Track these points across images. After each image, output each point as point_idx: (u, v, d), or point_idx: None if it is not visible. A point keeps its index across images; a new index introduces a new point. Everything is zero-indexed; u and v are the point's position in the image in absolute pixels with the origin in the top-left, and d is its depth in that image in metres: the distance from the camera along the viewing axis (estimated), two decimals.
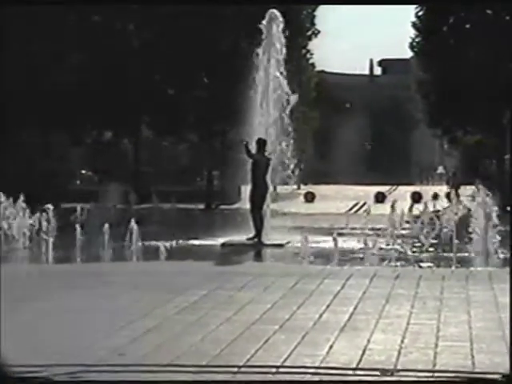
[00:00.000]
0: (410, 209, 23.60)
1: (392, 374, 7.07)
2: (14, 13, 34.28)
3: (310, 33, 46.64)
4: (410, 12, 43.33)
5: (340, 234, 19.20)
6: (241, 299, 10.66)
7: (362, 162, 70.95)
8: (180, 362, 7.46)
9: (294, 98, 21.21)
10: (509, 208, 31.02)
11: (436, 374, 7.09)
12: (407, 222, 19.98)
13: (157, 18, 38.18)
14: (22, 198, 19.22)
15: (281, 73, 21.73)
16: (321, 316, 9.59)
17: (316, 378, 7.01)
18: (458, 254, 16.98)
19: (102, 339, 8.40)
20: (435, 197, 29.50)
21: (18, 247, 18.41)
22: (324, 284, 12.06)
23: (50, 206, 18.95)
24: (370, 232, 18.72)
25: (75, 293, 11.44)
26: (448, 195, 21.04)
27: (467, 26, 39.96)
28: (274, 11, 21.90)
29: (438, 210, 27.24)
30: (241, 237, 20.07)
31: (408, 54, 46.70)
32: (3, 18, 33.42)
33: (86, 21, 37.21)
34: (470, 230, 17.79)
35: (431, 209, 22.37)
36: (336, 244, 17.44)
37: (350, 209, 37.58)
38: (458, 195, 30.99)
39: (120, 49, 37.84)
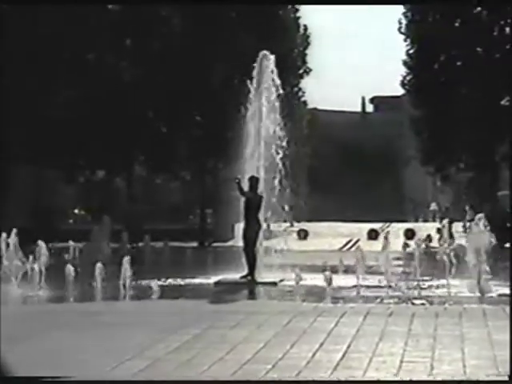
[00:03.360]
0: (404, 246, 23.59)
1: None
2: (7, 46, 34.43)
3: (301, 71, 46.97)
4: (401, 50, 43.65)
5: (333, 272, 19.17)
6: (233, 338, 10.61)
7: (355, 199, 71.05)
8: None
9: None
10: (504, 245, 31.01)
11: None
12: (399, 258, 19.97)
13: (149, 54, 38.36)
14: (13, 234, 19.12)
15: (273, 111, 21.82)
16: (314, 355, 9.55)
17: None
18: (452, 291, 16.94)
19: (90, 381, 8.34)
20: (429, 240, 29.45)
21: (9, 285, 18.30)
22: (317, 322, 12.02)
23: (42, 245, 18.88)
24: (363, 269, 18.68)
25: (66, 333, 11.37)
26: (439, 231, 21.06)
27: (458, 63, 40.24)
28: (266, 52, 22.06)
29: (432, 247, 27.26)
30: (234, 275, 20.01)
31: (399, 91, 46.97)
32: None
33: (79, 57, 37.37)
34: (464, 266, 17.77)
35: (424, 246, 22.35)
36: (329, 282, 17.41)
37: (344, 246, 37.55)
38: (451, 232, 30.97)
39: (112, 86, 37.96)
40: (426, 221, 57.89)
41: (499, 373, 8.56)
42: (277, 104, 21.84)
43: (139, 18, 38.17)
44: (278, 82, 21.84)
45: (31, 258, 18.60)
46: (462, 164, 41.98)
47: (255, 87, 21.89)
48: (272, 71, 21.82)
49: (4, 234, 19.16)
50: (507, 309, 13.74)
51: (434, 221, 50.16)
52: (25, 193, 38.49)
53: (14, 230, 19.14)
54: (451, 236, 28.83)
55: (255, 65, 21.94)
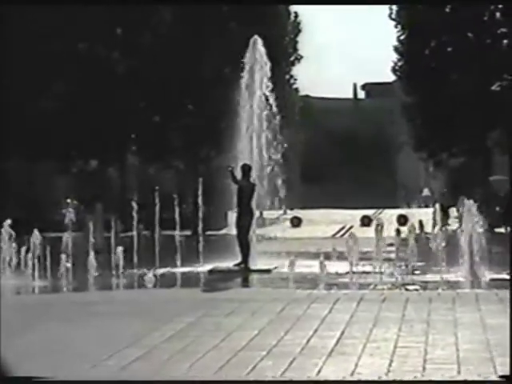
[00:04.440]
0: (396, 232, 23.61)
1: None
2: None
3: (292, 58, 46.95)
4: (392, 36, 43.59)
5: (327, 258, 19.20)
6: (228, 326, 10.64)
7: (348, 186, 71.06)
8: None
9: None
10: (495, 229, 31.09)
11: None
12: (391, 244, 19.99)
13: (141, 46, 38.28)
14: (7, 223, 19.09)
15: (265, 98, 21.79)
16: (308, 341, 9.58)
17: None
18: (445, 277, 17.00)
19: (90, 369, 8.36)
20: (421, 226, 29.45)
21: (4, 275, 18.28)
22: (311, 308, 12.05)
23: (36, 234, 18.87)
24: (357, 256, 18.70)
25: (62, 323, 11.38)
26: (434, 218, 21.11)
27: (449, 49, 40.21)
28: (257, 38, 21.99)
29: (426, 233, 27.28)
30: (228, 263, 20.04)
31: (391, 77, 46.92)
32: None
33: (70, 49, 37.26)
34: (457, 251, 17.82)
35: (417, 232, 22.40)
36: (323, 268, 17.44)
37: (337, 232, 37.60)
38: (447, 217, 30.97)
39: (105, 77, 37.86)
40: (419, 207, 57.94)
41: (492, 356, 8.61)
42: (268, 90, 21.80)
43: (131, 10, 38.04)
44: (269, 65, 21.76)
45: (25, 247, 18.59)
46: (454, 149, 42.01)
47: (247, 73, 21.84)
48: (262, 54, 21.76)
49: None
50: (499, 293, 13.80)
51: (426, 207, 50.17)
52: (18, 184, 38.41)
53: (8, 221, 19.12)
54: (447, 221, 28.87)
55: (247, 50, 21.87)
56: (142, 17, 38.03)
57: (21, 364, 8.66)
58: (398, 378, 7.73)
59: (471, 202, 17.78)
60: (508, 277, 16.95)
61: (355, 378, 7.80)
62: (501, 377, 6.34)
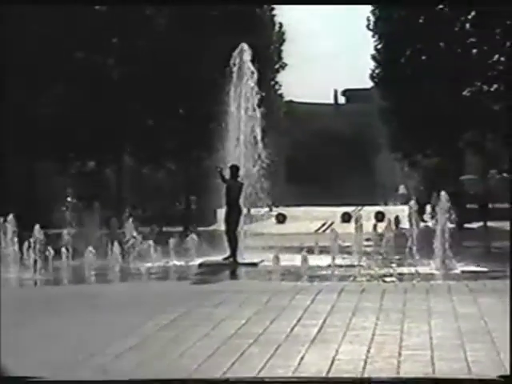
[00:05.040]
0: (374, 228, 23.66)
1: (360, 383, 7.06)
2: None
3: (277, 66, 47.02)
4: (369, 45, 43.68)
5: (310, 252, 19.22)
6: (217, 315, 10.63)
7: (329, 184, 71.10)
8: (161, 377, 7.43)
9: None
10: (464, 225, 31.18)
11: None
12: (369, 239, 20.05)
13: (136, 54, 38.19)
14: (10, 220, 19.04)
15: (252, 103, 21.79)
16: (292, 330, 9.59)
17: None
18: (419, 269, 17.04)
19: (87, 357, 8.34)
20: (397, 221, 29.44)
21: (7, 269, 18.23)
22: (295, 299, 12.06)
23: (37, 230, 18.82)
24: (337, 250, 18.75)
25: (62, 315, 11.35)
26: (409, 214, 21.13)
27: (423, 57, 40.32)
28: (244, 45, 21.97)
29: (402, 228, 27.30)
30: (217, 257, 20.03)
31: (369, 83, 47.01)
32: None
33: (68, 54, 37.08)
34: (430, 246, 17.86)
35: (394, 228, 22.43)
36: (306, 262, 17.46)
37: (319, 228, 37.62)
38: (423, 213, 30.99)
39: (101, 83, 37.77)
40: (395, 204, 58.00)
41: (462, 342, 8.64)
42: (255, 95, 21.80)
43: (125, 18, 37.98)
44: (255, 72, 21.75)
45: (27, 243, 18.54)
46: (428, 151, 42.15)
47: (234, 79, 21.83)
48: (249, 62, 21.76)
49: (0, 219, 19.08)
50: (470, 284, 13.87)
51: (403, 204, 50.28)
52: (20, 184, 38.24)
53: (11, 217, 19.06)
54: (422, 217, 28.88)
55: (235, 56, 21.86)
56: (136, 26, 37.95)
57: (21, 353, 8.65)
58: (376, 363, 7.75)
59: (445, 197, 17.82)
60: (477, 269, 17.04)
61: (335, 364, 7.81)
62: (501, 377, 6.24)
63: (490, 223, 33.09)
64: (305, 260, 17.57)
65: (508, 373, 6.62)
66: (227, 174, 20.26)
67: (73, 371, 7.67)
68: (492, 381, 6.13)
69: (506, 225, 31.49)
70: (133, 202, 39.08)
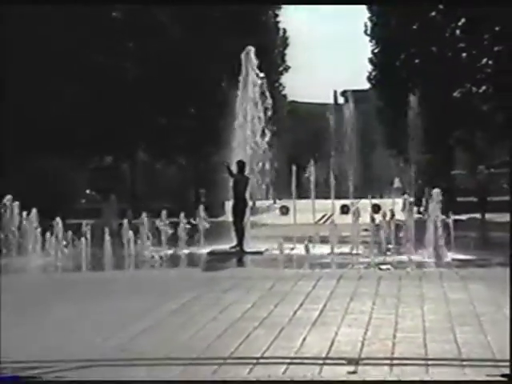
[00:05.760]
0: (371, 219, 23.60)
1: (357, 363, 7.06)
2: (17, 45, 34.08)
3: (281, 68, 47.05)
4: (367, 49, 43.65)
5: (311, 242, 19.21)
6: (225, 300, 10.63)
7: (328, 179, 71.01)
8: (173, 356, 7.44)
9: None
10: (456, 217, 31.09)
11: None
12: (367, 229, 20.01)
13: (149, 57, 38.18)
14: (34, 211, 19.07)
15: (257, 103, 21.76)
16: (295, 313, 9.58)
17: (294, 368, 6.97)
18: (413, 257, 17.02)
19: (105, 339, 8.35)
20: (391, 213, 29.27)
21: (32, 256, 18.27)
22: (297, 286, 12.04)
23: (59, 221, 18.84)
24: (337, 239, 18.72)
25: (80, 299, 11.35)
26: (404, 206, 21.05)
27: (416, 61, 40.28)
28: (251, 48, 21.88)
29: (397, 220, 27.21)
30: (225, 246, 20.03)
31: (366, 85, 46.96)
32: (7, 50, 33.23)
33: (89, 58, 37.06)
34: (424, 236, 17.82)
35: (389, 219, 22.35)
36: (307, 250, 17.44)
37: (319, 219, 37.56)
38: (419, 205, 30.86)
39: (118, 85, 37.78)
40: (390, 197, 57.84)
41: (452, 325, 8.62)
42: (260, 96, 21.76)
43: (140, 24, 37.96)
44: (261, 73, 21.71)
45: (49, 232, 18.57)
46: (422, 148, 42.14)
47: (241, 80, 21.80)
48: (255, 64, 21.71)
49: (24, 213, 19.13)
50: (460, 271, 13.85)
51: (399, 196, 50.14)
52: (42, 178, 38.28)
53: (34, 211, 19.10)
54: (418, 210, 28.74)
55: (241, 60, 21.82)
56: (150, 32, 37.92)
57: (39, 336, 8.66)
58: (373, 345, 7.74)
59: (437, 191, 17.77)
60: (467, 257, 17.02)
61: (335, 345, 7.80)
62: (502, 376, 6.01)
63: (477, 215, 33.02)
64: (306, 249, 17.55)
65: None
66: (234, 168, 20.25)
67: (93, 351, 7.68)
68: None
69: (493, 216, 31.47)
70: (147, 195, 39.15)
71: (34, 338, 8.44)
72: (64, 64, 36.04)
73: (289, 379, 6.13)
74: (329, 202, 43.05)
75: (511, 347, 7.10)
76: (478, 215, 32.89)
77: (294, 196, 31.14)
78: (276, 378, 6.22)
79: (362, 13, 43.22)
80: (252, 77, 21.75)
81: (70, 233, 18.63)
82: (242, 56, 21.74)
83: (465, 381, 6.18)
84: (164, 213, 20.31)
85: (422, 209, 32.23)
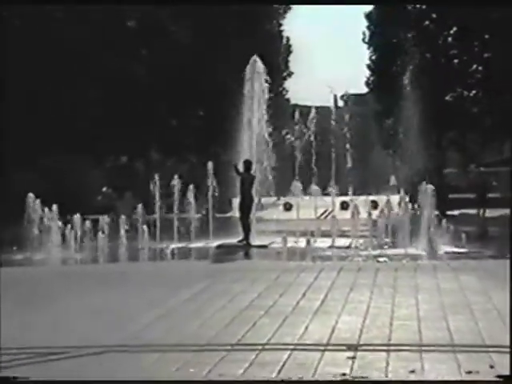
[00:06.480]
0: (369, 214, 23.57)
1: (356, 349, 7.06)
2: (35, 51, 34.00)
3: (285, 74, 47.06)
4: (365, 56, 43.62)
5: (313, 236, 19.20)
6: (233, 290, 10.63)
7: (329, 177, 70.94)
8: (184, 342, 7.44)
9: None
10: (446, 212, 31.03)
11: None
12: (365, 224, 19.99)
13: (162, 63, 38.19)
14: (55, 208, 19.09)
15: (262, 106, 21.78)
16: (298, 303, 9.58)
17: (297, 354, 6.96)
18: (408, 250, 17.00)
19: (121, 326, 8.36)
20: (388, 209, 29.14)
21: (52, 249, 18.28)
22: (300, 277, 12.04)
23: (77, 217, 18.86)
24: (337, 233, 18.71)
25: (96, 290, 11.36)
26: (400, 202, 21.02)
27: (411, 67, 40.25)
28: (256, 57, 21.95)
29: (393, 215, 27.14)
30: (232, 240, 20.03)
31: (364, 89, 46.93)
32: (29, 55, 33.21)
33: (104, 64, 37.04)
34: (418, 230, 17.80)
35: (386, 214, 22.32)
36: (309, 244, 17.43)
37: (321, 215, 37.52)
38: (414, 202, 30.77)
39: (133, 89, 37.79)
40: (386, 194, 57.77)
41: (445, 314, 8.61)
42: (265, 99, 21.79)
43: (153, 32, 37.98)
44: (265, 79, 21.74)
45: (69, 226, 18.60)
46: (415, 147, 42.09)
47: (247, 85, 21.84)
48: (261, 71, 21.76)
49: (46, 209, 19.16)
50: (451, 263, 13.83)
51: (395, 193, 50.09)
52: (62, 175, 38.30)
53: (55, 207, 19.13)
54: (413, 206, 28.64)
55: (248, 67, 21.90)
56: (163, 38, 37.92)
57: (55, 323, 8.68)
58: (371, 332, 7.73)
59: (431, 188, 17.75)
60: (459, 250, 17.00)
61: (336, 332, 7.79)
62: (500, 376, 5.81)
63: (468, 211, 32.98)
64: (309, 242, 17.55)
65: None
66: (241, 167, 20.25)
67: (110, 337, 7.69)
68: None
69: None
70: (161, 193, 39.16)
71: (46, 325, 8.45)
72: (84, 68, 36.07)
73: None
74: (330, 198, 42.95)
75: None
76: (469, 211, 32.86)
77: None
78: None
79: (362, 16, 42.99)
80: (258, 82, 21.78)
81: (88, 227, 18.66)
82: (249, 64, 21.79)
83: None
84: (175, 208, 20.31)
85: (416, 205, 32.19)
